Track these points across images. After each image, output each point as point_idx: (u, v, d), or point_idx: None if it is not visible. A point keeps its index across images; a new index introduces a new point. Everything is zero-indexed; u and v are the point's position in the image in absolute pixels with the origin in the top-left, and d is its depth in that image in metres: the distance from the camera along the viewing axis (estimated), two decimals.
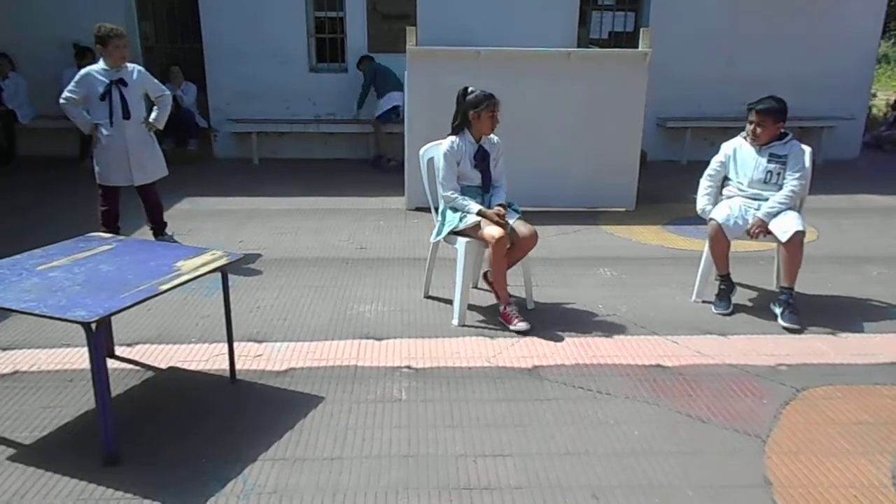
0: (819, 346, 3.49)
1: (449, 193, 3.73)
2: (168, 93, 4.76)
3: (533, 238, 3.67)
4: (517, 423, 2.79)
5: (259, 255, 4.81)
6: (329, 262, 4.73)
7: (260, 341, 3.50)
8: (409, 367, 3.24)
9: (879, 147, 9.46)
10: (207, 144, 8.54)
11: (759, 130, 3.83)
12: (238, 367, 3.15)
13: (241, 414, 2.84)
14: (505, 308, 3.67)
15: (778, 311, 3.80)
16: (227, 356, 3.12)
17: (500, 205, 3.72)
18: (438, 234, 3.80)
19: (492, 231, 3.57)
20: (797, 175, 3.82)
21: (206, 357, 3.33)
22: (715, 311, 3.90)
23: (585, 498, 2.34)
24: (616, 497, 2.35)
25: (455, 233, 3.70)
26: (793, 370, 3.23)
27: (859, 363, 3.31)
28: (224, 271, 2.90)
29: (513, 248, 3.68)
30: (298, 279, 4.40)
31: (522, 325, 3.58)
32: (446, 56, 5.90)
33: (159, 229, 4.89)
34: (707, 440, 2.68)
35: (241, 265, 4.46)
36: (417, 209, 5.99)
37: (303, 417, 2.82)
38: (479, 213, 3.63)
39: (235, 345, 3.14)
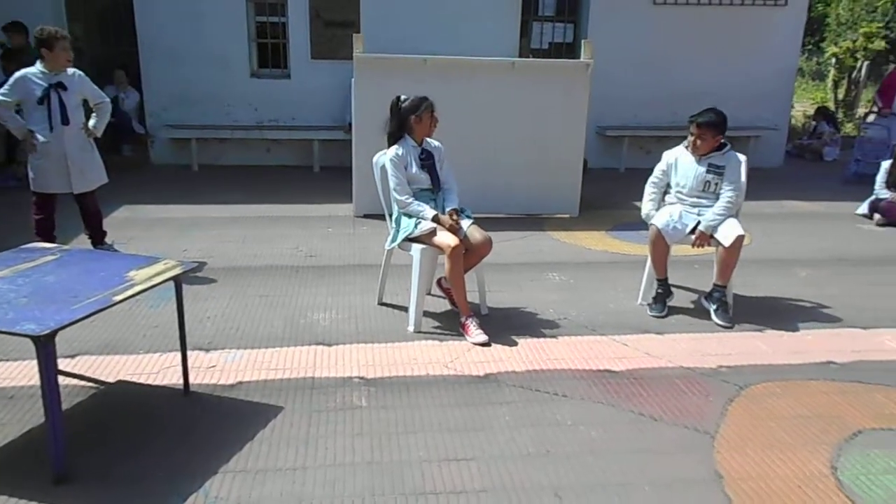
0: (758, 345, 3.67)
1: (403, 198, 3.75)
2: (107, 99, 4.61)
3: (487, 244, 3.73)
4: (478, 427, 2.82)
5: (204, 264, 4.70)
6: (278, 271, 4.66)
7: (212, 351, 3.43)
8: (366, 375, 3.23)
9: (801, 156, 10.02)
10: (143, 150, 8.28)
11: (699, 143, 4.01)
12: (191, 379, 3.06)
13: (198, 427, 2.77)
14: (466, 319, 3.68)
15: (711, 308, 3.99)
16: (178, 368, 3.04)
17: (453, 209, 3.77)
18: (393, 240, 3.81)
19: (447, 239, 3.61)
20: (732, 187, 4.01)
21: (156, 369, 3.23)
22: (650, 313, 4.04)
23: (549, 497, 2.40)
24: (578, 496, 2.41)
25: (410, 239, 3.72)
26: (735, 368, 3.40)
27: (795, 361, 3.50)
28: (178, 281, 2.83)
29: (467, 255, 3.73)
30: (248, 288, 4.32)
31: (482, 338, 3.59)
32: (393, 64, 5.92)
33: (98, 238, 4.71)
34: (660, 437, 2.79)
35: (188, 275, 4.34)
36: (366, 216, 5.98)
37: (262, 428, 2.77)
38: (434, 219, 3.67)
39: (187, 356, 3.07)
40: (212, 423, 2.80)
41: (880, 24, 16.02)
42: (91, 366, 3.24)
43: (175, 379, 3.09)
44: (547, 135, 6.12)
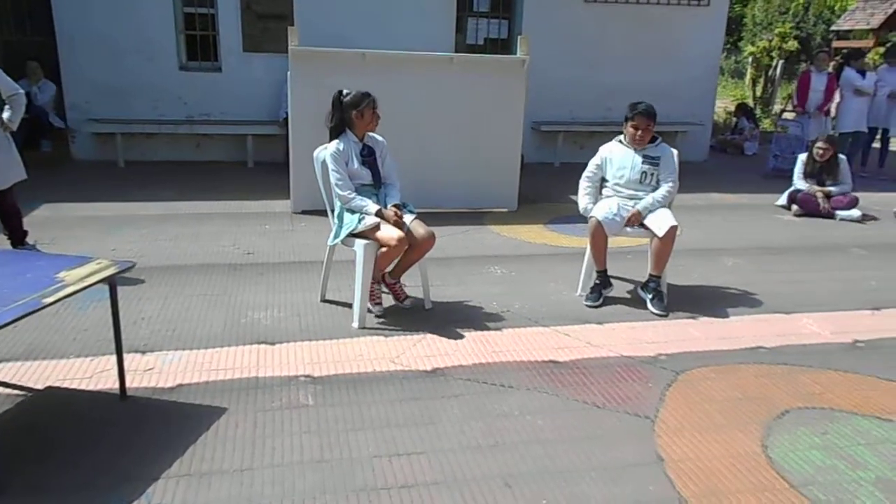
0: (691, 332, 3.83)
1: (346, 193, 3.71)
2: (21, 91, 4.37)
3: (430, 239, 3.74)
4: (427, 421, 2.83)
5: (135, 264, 4.51)
6: (215, 269, 4.54)
7: (149, 354, 3.30)
8: (312, 373, 3.19)
9: (723, 150, 10.48)
10: (64, 146, 7.88)
11: (640, 133, 4.13)
12: (127, 383, 2.94)
13: (137, 432, 2.67)
14: (394, 283, 3.94)
15: (647, 297, 4.13)
16: (113, 372, 2.93)
17: (395, 205, 3.76)
18: (336, 236, 3.77)
19: (390, 234, 3.60)
20: (671, 178, 4.16)
21: (89, 374, 3.09)
22: (585, 303, 4.14)
23: (499, 487, 2.43)
24: (527, 484, 2.46)
25: (353, 235, 3.69)
26: (671, 355, 3.53)
27: (726, 347, 3.67)
28: (113, 282, 2.71)
29: (410, 250, 3.73)
30: (184, 287, 4.18)
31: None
32: (330, 57, 5.84)
33: (18, 238, 4.47)
34: (603, 424, 2.87)
35: (121, 275, 4.16)
36: (304, 212, 5.88)
37: (205, 430, 2.70)
38: (377, 214, 3.65)
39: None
40: (152, 428, 2.70)
41: (792, 25, 16.92)
42: (17, 372, 3.07)
43: (110, 383, 2.97)
44: (485, 130, 6.17)
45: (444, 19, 8.37)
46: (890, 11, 10.22)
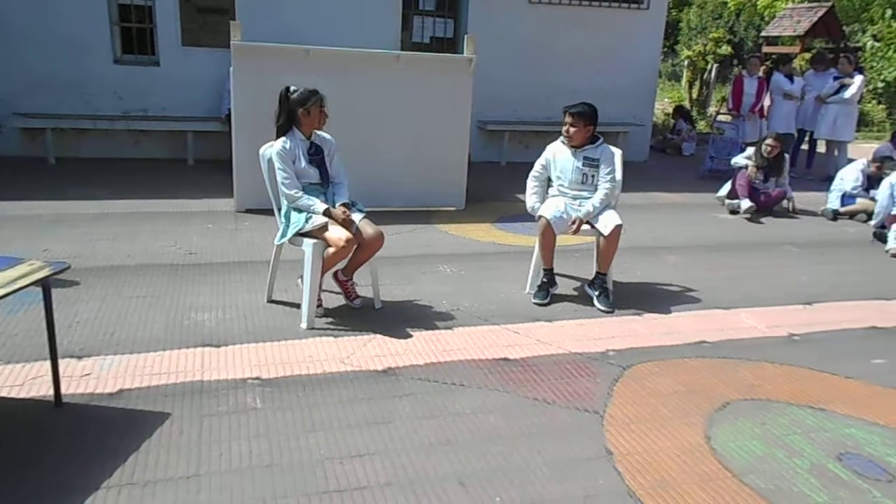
0: (637, 328, 3.92)
1: (293, 192, 3.64)
2: None
3: (379, 239, 3.70)
4: (378, 422, 2.81)
5: (70, 265, 4.31)
6: (156, 270, 4.38)
7: (86, 359, 3.16)
8: (260, 375, 3.12)
9: (663, 150, 10.78)
10: None
11: (571, 131, 4.19)
12: (63, 389, 2.81)
13: (75, 441, 2.55)
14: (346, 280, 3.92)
15: (594, 294, 4.21)
16: (47, 378, 2.79)
17: (344, 204, 3.71)
18: (283, 235, 3.69)
19: (339, 233, 3.55)
20: (608, 178, 4.23)
21: (19, 381, 2.93)
22: (533, 301, 4.19)
23: (453, 486, 2.43)
24: (481, 481, 2.46)
25: (301, 234, 3.62)
26: (618, 351, 3.60)
27: (670, 342, 3.77)
28: (46, 284, 2.58)
29: (360, 249, 3.69)
30: (122, 289, 4.03)
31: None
32: (274, 53, 5.73)
33: None
34: (554, 420, 2.91)
35: (56, 276, 3.98)
36: (249, 211, 5.75)
37: (148, 437, 2.60)
38: (325, 213, 3.59)
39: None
40: (90, 436, 2.58)
41: (725, 30, 17.54)
42: None
43: (44, 390, 2.83)
44: (432, 128, 6.16)
45: (389, 17, 8.32)
46: (815, 19, 10.72)
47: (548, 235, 4.17)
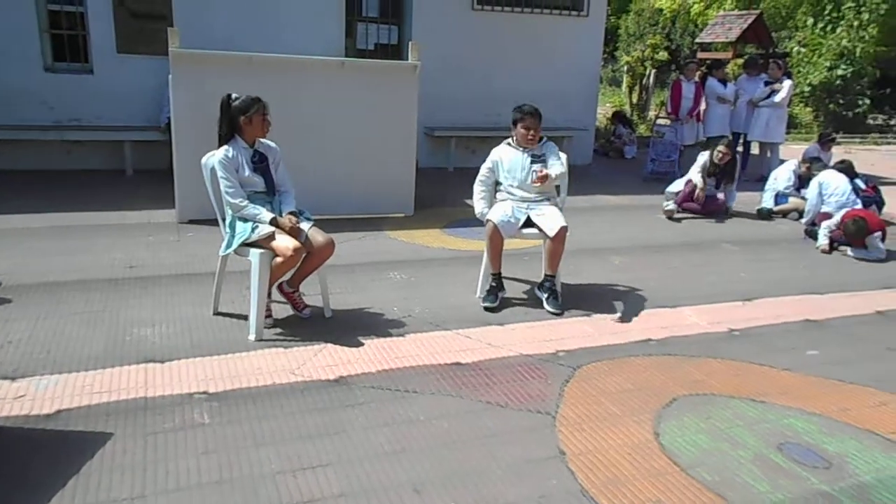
0: (586, 329, 3.98)
1: (237, 202, 3.57)
2: None
3: (330, 246, 3.66)
4: (331, 432, 2.77)
5: (1, 282, 4.13)
6: (94, 285, 4.22)
7: (20, 380, 3.02)
8: (207, 390, 3.04)
9: (606, 154, 11.03)
10: None
11: (531, 133, 4.26)
12: None
13: (9, 465, 2.43)
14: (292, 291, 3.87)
15: (543, 296, 4.27)
16: None
17: (292, 212, 3.66)
18: (228, 246, 3.61)
19: (286, 243, 3.49)
20: (559, 160, 4.36)
21: None
22: (483, 304, 4.21)
23: (408, 494, 2.42)
24: (436, 488, 2.46)
25: (247, 244, 3.55)
26: (568, 352, 3.65)
27: (617, 341, 3.85)
28: None
29: (309, 258, 3.64)
30: (58, 306, 3.87)
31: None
32: (214, 61, 5.62)
33: None
34: (508, 423, 2.92)
35: None
36: (192, 222, 5.61)
37: (89, 459, 2.50)
38: (272, 223, 3.53)
39: None
40: (26, 460, 2.47)
41: (662, 37, 18.09)
42: None
43: None
44: (379, 135, 6.15)
45: (333, 24, 8.27)
46: (745, 26, 11.15)
47: (495, 239, 4.21)
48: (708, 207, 7.06)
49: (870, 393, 3.36)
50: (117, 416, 2.79)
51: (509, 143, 4.39)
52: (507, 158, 4.38)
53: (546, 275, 4.29)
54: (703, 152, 7.31)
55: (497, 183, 4.47)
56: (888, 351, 3.89)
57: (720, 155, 6.98)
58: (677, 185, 7.20)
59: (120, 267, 4.58)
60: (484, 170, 4.45)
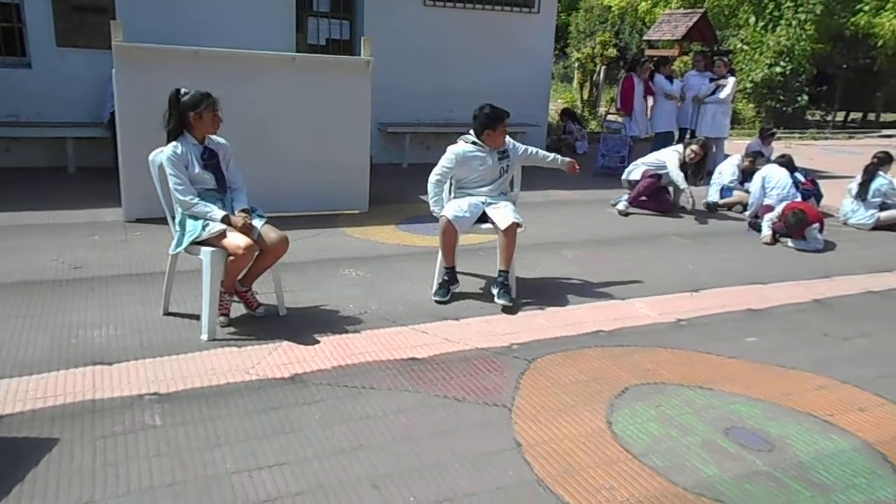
0: (540, 322, 4.04)
1: (187, 199, 3.49)
2: None
3: (283, 244, 3.62)
4: (287, 431, 2.75)
5: None
6: (37, 287, 4.08)
7: None
8: (158, 391, 2.98)
9: (558, 150, 11.12)
10: None
11: (502, 136, 4.31)
12: None
13: None
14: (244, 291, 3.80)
15: (495, 291, 4.31)
16: None
17: (244, 210, 3.60)
18: (178, 245, 3.53)
19: (238, 241, 3.44)
20: (532, 148, 4.56)
21: None
22: (434, 299, 4.24)
23: (366, 490, 2.42)
24: (395, 483, 2.47)
25: (197, 242, 3.48)
26: (523, 344, 3.70)
27: (571, 333, 3.91)
28: None
29: (262, 255, 3.60)
30: None
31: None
32: (160, 55, 5.48)
33: None
34: (465, 417, 2.95)
35: None
36: (139, 220, 5.46)
37: (34, 466, 2.42)
38: (223, 220, 3.47)
39: None
40: None
41: (611, 34, 18.42)
42: None
43: None
44: (332, 131, 6.10)
45: (283, 18, 8.15)
46: (690, 24, 11.44)
47: (449, 234, 4.23)
48: (660, 207, 7.18)
49: (809, 377, 3.51)
50: (63, 420, 2.71)
51: (475, 143, 4.36)
52: (471, 158, 4.34)
53: (500, 270, 4.32)
54: (672, 150, 7.20)
55: (452, 179, 4.47)
56: (825, 337, 4.07)
57: (692, 154, 6.92)
58: (635, 173, 7.23)
59: (64, 268, 4.44)
60: (441, 168, 4.42)
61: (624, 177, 7.44)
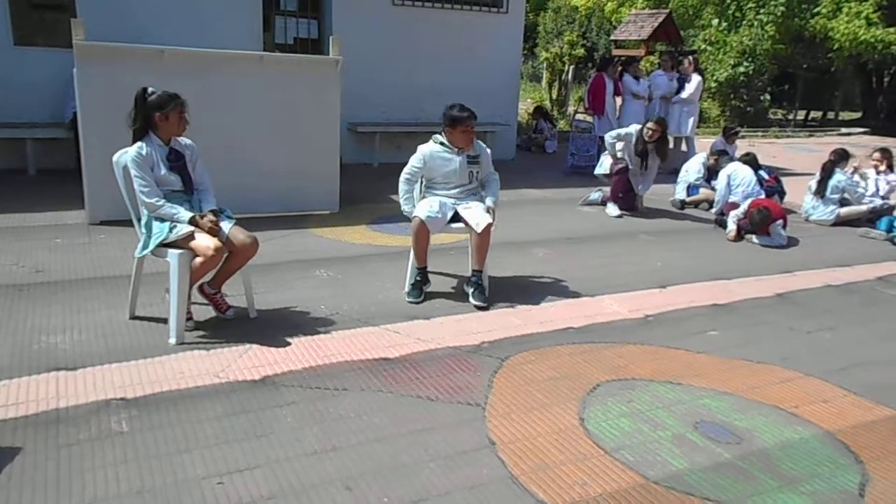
0: (512, 320, 4.06)
1: (153, 201, 3.43)
2: None
3: (253, 245, 3.58)
4: (259, 434, 2.72)
5: None
6: None
7: None
8: (125, 396, 2.92)
9: (528, 149, 11.24)
10: None
11: (469, 137, 4.30)
12: None
13: None
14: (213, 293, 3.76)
15: (470, 291, 4.32)
16: None
17: (212, 211, 3.55)
18: (145, 247, 3.46)
19: (206, 242, 3.39)
20: (493, 171, 4.49)
21: None
22: (407, 299, 4.23)
23: (339, 491, 2.41)
24: (368, 483, 2.46)
25: (164, 245, 3.42)
26: (495, 343, 3.72)
27: (542, 330, 3.94)
28: None
29: (231, 257, 3.55)
30: None
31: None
32: (123, 54, 5.36)
33: None
34: (438, 416, 2.95)
35: None
36: (104, 223, 5.35)
37: None
38: (190, 222, 3.42)
39: None
40: None
41: (579, 34, 18.59)
42: None
43: None
44: (301, 131, 6.04)
45: (250, 17, 8.06)
46: (656, 24, 11.61)
47: (422, 234, 4.22)
48: (627, 203, 7.22)
49: (774, 371, 3.59)
50: (26, 429, 2.64)
51: (443, 144, 4.37)
52: (439, 158, 4.35)
53: (473, 270, 4.33)
54: (634, 126, 7.03)
55: (423, 179, 4.47)
56: (789, 331, 4.16)
57: (650, 132, 6.74)
58: (606, 166, 7.19)
59: (25, 272, 4.33)
60: (411, 167, 4.42)
61: (597, 171, 7.49)
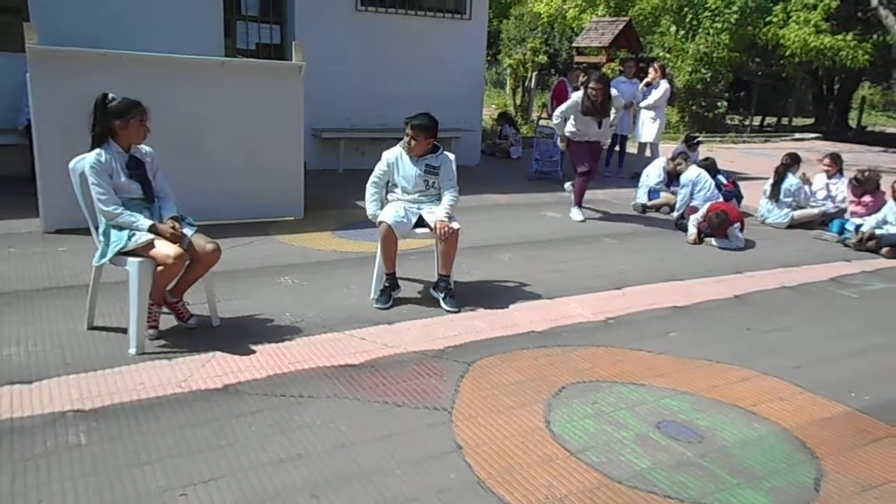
0: (477, 324, 4.08)
1: (111, 209, 3.36)
2: None
3: (216, 252, 3.53)
4: (223, 443, 2.68)
5: None
6: None
7: None
8: (83, 408, 2.85)
9: (493, 154, 11.31)
10: None
11: (413, 143, 4.30)
12: None
13: None
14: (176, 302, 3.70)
15: (439, 296, 4.32)
16: None
17: (173, 218, 3.49)
18: (103, 256, 3.39)
19: (167, 250, 3.33)
20: (452, 185, 4.41)
21: None
22: (376, 305, 4.22)
23: (306, 500, 2.39)
24: (335, 491, 2.44)
25: (124, 253, 3.35)
26: (462, 347, 3.73)
27: (508, 334, 3.97)
28: None
29: (193, 265, 3.50)
30: None
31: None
32: (79, 58, 5.26)
33: None
34: (405, 421, 2.95)
35: None
36: (59, 231, 5.21)
37: None
38: (150, 230, 3.36)
39: None
40: None
41: (541, 41, 18.82)
42: None
43: None
44: (264, 137, 5.98)
45: (210, 22, 7.94)
46: (616, 32, 11.84)
47: (389, 240, 4.22)
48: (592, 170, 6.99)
49: (733, 370, 3.68)
50: None
51: (403, 147, 4.39)
52: (401, 163, 4.38)
53: (440, 275, 4.34)
54: (576, 95, 6.88)
55: (388, 184, 4.47)
56: (747, 331, 4.27)
57: (594, 92, 6.59)
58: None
59: None
60: (377, 171, 4.43)
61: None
